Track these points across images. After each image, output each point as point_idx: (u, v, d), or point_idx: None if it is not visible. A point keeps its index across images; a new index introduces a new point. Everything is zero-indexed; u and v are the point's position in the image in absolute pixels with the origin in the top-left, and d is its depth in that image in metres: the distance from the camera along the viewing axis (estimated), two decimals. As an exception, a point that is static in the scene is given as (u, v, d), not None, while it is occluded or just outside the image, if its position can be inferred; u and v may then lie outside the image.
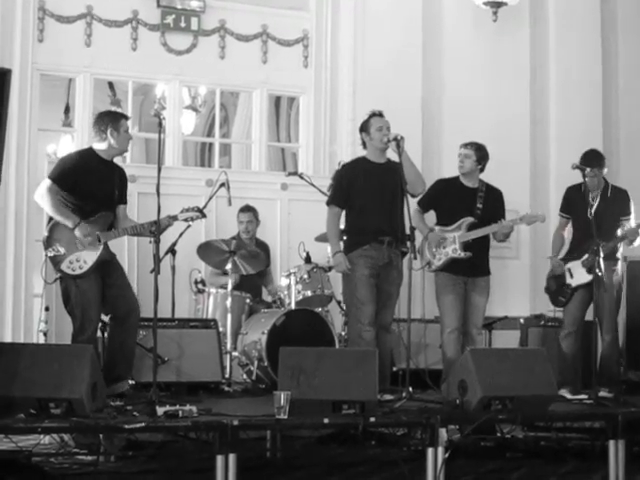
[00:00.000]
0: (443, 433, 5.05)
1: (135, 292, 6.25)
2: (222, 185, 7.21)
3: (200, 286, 7.43)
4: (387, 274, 6.23)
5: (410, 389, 5.76)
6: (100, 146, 5.95)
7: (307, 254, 7.41)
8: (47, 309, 7.05)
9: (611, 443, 5.39)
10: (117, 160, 6.16)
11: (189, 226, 6.79)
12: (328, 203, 6.46)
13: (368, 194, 6.25)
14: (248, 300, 7.42)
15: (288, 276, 7.19)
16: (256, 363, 6.79)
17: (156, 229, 5.58)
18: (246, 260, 7.30)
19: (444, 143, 8.81)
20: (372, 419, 5.05)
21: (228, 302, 7.06)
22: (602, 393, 6.10)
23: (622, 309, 7.32)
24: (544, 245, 8.04)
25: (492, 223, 6.59)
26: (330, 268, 7.04)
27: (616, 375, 6.61)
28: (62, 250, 5.77)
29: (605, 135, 9.29)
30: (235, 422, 4.72)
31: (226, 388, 6.63)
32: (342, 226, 6.50)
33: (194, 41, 8.63)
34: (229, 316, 7.03)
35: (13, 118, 7.54)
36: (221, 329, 6.90)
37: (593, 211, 6.37)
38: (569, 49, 9.30)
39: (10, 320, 7.77)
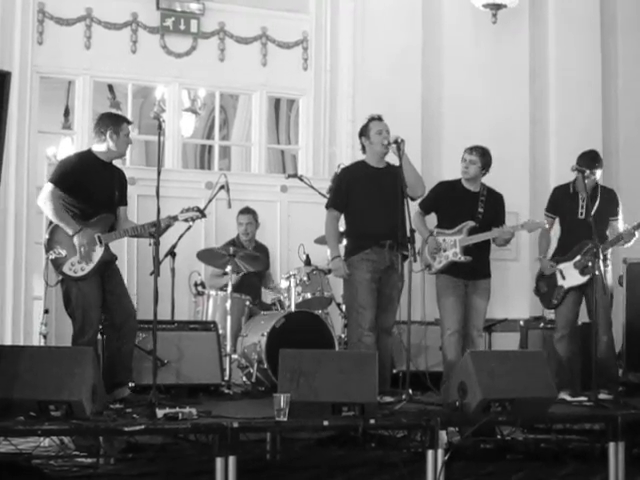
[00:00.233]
0: (443, 435, 5.05)
1: (135, 294, 6.27)
2: (222, 187, 7.21)
3: (200, 288, 7.43)
4: (388, 278, 6.22)
5: (410, 391, 5.76)
6: (99, 148, 5.94)
7: (307, 256, 7.42)
8: (47, 311, 7.06)
9: (611, 445, 5.41)
10: (116, 162, 6.15)
11: (189, 227, 6.80)
12: (327, 207, 6.44)
13: (368, 198, 6.23)
14: (248, 302, 7.41)
15: (288, 278, 7.18)
16: (256, 365, 6.79)
17: (156, 231, 5.58)
18: (246, 260, 7.32)
19: (444, 144, 8.81)
20: (372, 421, 5.05)
21: (228, 304, 7.06)
22: (602, 395, 6.08)
23: (622, 311, 7.33)
24: (544, 247, 8.04)
25: (493, 227, 6.57)
26: (330, 270, 7.03)
27: (614, 376, 6.60)
28: (63, 252, 5.76)
29: (604, 135, 9.30)
30: (235, 424, 4.73)
31: (226, 390, 6.63)
32: (342, 229, 6.50)
33: (193, 43, 8.63)
34: (229, 318, 7.02)
35: (13, 120, 7.55)
36: (221, 331, 6.90)
37: (585, 212, 6.36)
38: (569, 50, 9.31)
39: (10, 322, 7.77)
